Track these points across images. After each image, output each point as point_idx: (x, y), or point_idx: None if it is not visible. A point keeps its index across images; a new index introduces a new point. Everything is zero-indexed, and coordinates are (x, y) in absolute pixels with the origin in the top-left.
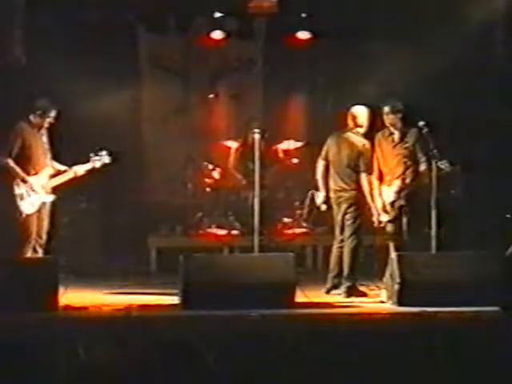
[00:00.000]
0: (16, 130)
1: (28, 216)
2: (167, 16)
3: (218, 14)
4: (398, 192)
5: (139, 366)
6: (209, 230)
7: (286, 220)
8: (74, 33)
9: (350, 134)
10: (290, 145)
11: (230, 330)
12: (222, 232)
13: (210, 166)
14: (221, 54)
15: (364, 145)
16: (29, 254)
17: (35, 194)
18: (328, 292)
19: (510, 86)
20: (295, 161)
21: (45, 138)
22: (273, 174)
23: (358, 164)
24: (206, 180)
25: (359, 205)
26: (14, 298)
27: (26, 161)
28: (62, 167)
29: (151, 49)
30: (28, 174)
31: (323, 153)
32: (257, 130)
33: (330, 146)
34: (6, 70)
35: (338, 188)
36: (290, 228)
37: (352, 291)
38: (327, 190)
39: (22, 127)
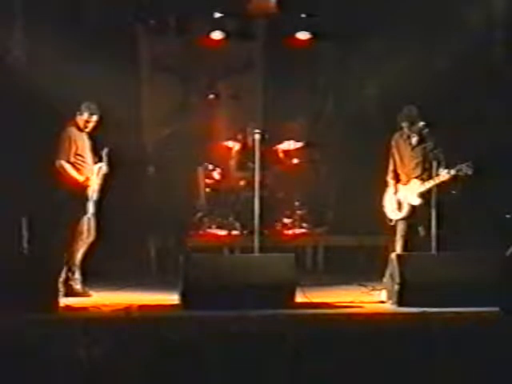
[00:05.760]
0: (68, 135)
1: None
2: (167, 16)
3: (217, 14)
4: (423, 195)
5: (139, 366)
6: (209, 230)
7: (285, 220)
8: (74, 33)
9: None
10: (290, 145)
11: (230, 330)
12: (222, 232)
13: (210, 166)
14: (221, 54)
15: None
16: None
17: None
18: None
19: (510, 86)
20: (295, 161)
21: (89, 141)
22: (273, 174)
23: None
24: (206, 180)
25: None
26: (14, 297)
27: (80, 165)
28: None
29: (151, 49)
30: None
31: None
32: (257, 131)
33: None
34: (6, 70)
35: None
36: (290, 228)
37: None
38: None
39: (72, 132)
